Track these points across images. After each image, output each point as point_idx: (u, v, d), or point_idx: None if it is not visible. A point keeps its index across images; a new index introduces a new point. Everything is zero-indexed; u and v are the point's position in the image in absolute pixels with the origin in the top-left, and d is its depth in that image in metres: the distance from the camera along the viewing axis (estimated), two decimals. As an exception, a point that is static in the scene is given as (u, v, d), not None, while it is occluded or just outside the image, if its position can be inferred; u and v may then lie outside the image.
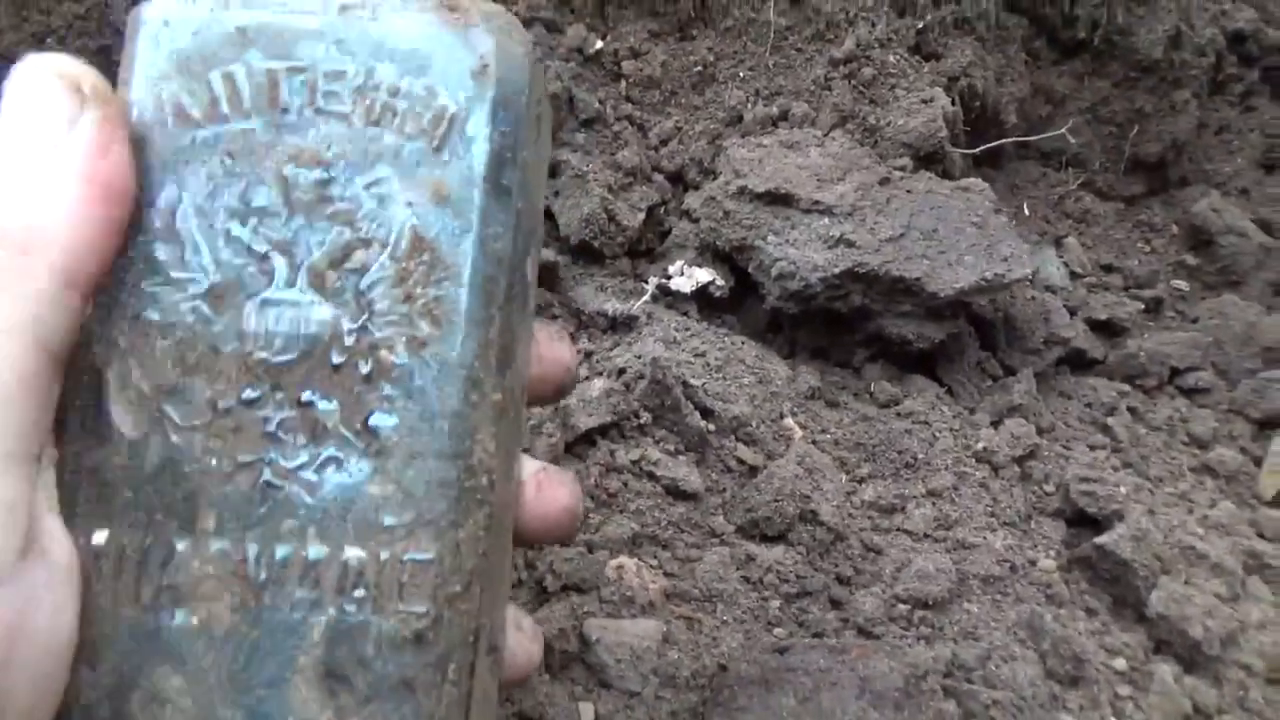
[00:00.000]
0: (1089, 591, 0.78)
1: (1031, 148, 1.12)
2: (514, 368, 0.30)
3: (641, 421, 0.73)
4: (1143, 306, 1.08)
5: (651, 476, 0.70)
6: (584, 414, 0.71)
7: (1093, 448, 0.91)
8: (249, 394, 0.28)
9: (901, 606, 0.69)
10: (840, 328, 0.90)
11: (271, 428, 0.28)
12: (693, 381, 0.76)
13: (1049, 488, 0.84)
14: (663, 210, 0.92)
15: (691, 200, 0.91)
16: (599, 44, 0.94)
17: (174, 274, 0.29)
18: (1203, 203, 1.13)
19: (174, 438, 0.28)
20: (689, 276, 0.88)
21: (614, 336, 0.83)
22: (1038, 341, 0.97)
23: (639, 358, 0.75)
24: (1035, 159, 1.13)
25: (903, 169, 0.91)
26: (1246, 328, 1.04)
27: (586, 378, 0.76)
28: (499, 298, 0.29)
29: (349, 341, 0.28)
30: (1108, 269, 1.11)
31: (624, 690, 0.59)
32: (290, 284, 0.29)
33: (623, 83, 0.94)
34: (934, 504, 0.79)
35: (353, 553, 0.27)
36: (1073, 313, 1.02)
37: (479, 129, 0.29)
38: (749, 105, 0.94)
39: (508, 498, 0.31)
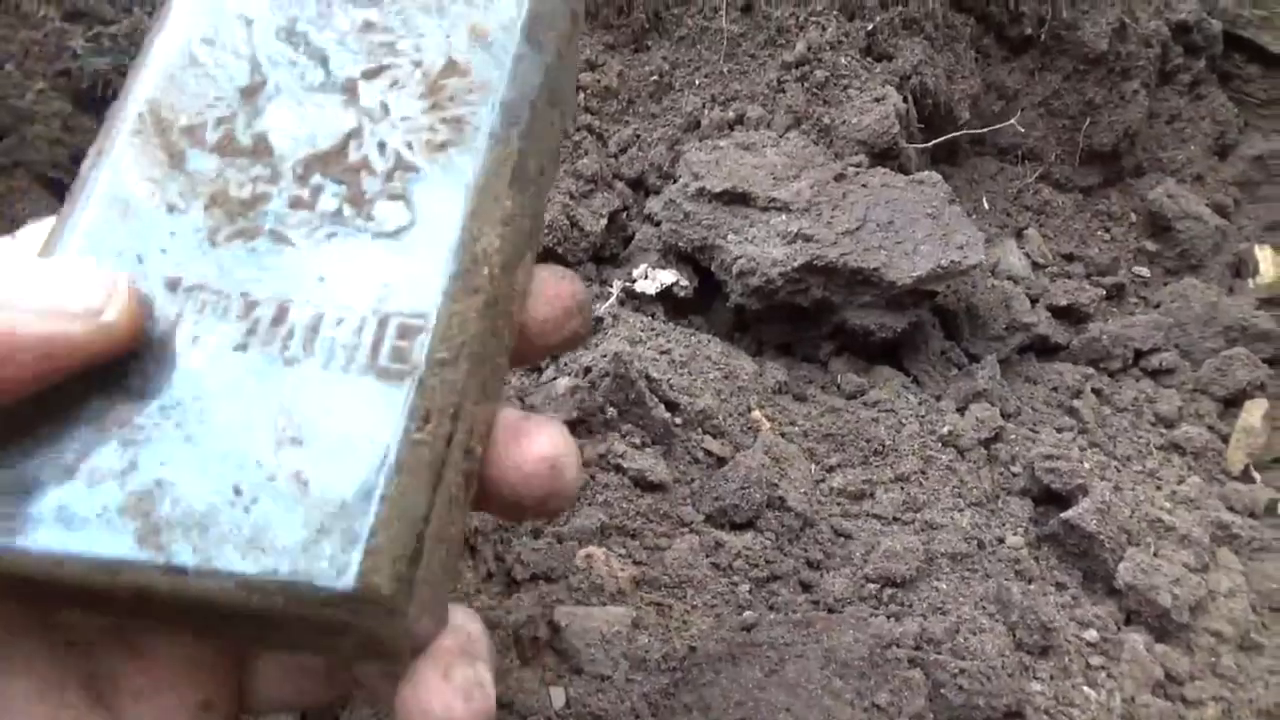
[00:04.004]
0: (1058, 567, 0.79)
1: (988, 144, 1.15)
2: (525, 194, 0.31)
3: (607, 416, 0.74)
4: (1105, 293, 1.10)
5: (618, 469, 0.71)
6: (549, 411, 0.72)
7: (1059, 430, 0.93)
8: (259, 171, 0.29)
9: (870, 586, 0.70)
10: (804, 323, 0.91)
11: (277, 204, 0.29)
12: (656, 376, 0.77)
13: (1015, 469, 0.86)
14: (625, 216, 0.94)
15: (652, 204, 0.93)
16: (556, 58, 0.96)
17: (210, 69, 0.31)
18: (1159, 190, 1.16)
19: (178, 200, 0.29)
20: (653, 279, 0.90)
21: (580, 339, 0.84)
22: (1000, 329, 0.99)
23: (604, 356, 0.76)
24: (992, 154, 1.16)
25: (858, 166, 0.93)
26: (1208, 309, 1.06)
27: (554, 377, 0.77)
28: (520, 127, 0.31)
29: (369, 139, 0.30)
30: (1069, 258, 1.13)
31: (595, 674, 0.59)
32: (321, 88, 0.31)
33: (581, 94, 0.96)
34: (902, 488, 0.80)
35: (345, 312, 0.27)
36: (1035, 300, 1.04)
37: None
38: (705, 111, 0.96)
39: (506, 310, 0.30)
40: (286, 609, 0.25)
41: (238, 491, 0.25)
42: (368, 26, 0.31)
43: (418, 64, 0.31)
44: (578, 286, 0.34)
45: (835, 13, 0.98)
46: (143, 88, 0.31)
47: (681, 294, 0.91)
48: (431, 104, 0.30)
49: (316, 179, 0.29)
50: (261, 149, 0.30)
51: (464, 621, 0.30)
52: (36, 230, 0.32)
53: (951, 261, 0.86)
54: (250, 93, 0.30)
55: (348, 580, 0.24)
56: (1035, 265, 1.10)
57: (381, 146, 0.30)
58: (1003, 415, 0.90)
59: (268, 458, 0.26)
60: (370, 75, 0.31)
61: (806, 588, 0.70)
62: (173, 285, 0.28)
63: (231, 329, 0.27)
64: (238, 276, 0.28)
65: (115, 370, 0.27)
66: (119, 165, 0.29)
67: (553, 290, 0.33)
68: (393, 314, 0.27)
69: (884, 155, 0.95)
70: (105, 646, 0.30)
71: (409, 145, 0.30)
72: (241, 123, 0.30)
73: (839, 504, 0.78)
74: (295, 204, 0.29)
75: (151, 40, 0.31)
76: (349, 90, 0.31)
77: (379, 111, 0.30)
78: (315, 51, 0.31)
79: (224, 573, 0.24)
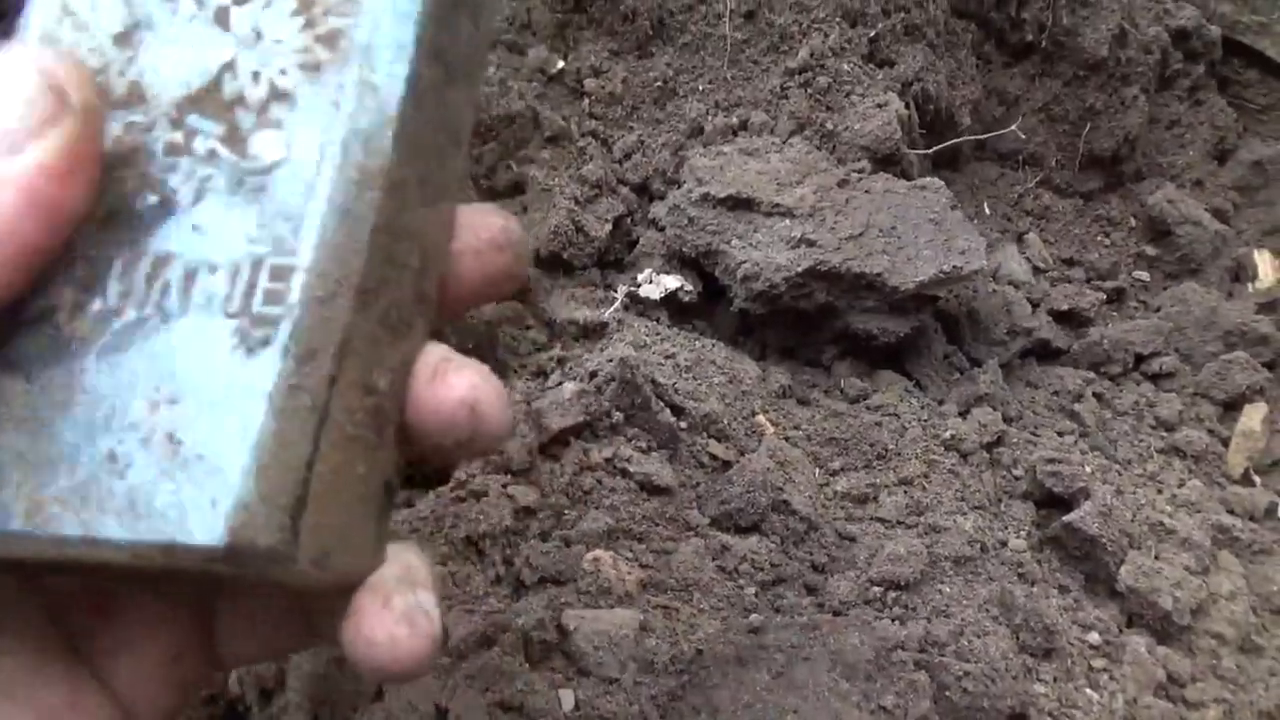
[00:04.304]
0: (1060, 570, 0.80)
1: (989, 149, 1.16)
2: (424, 109, 0.29)
3: (613, 421, 0.74)
4: (1105, 297, 1.10)
5: (624, 473, 0.72)
6: (556, 415, 0.72)
7: (1060, 433, 0.94)
8: (135, 118, 0.28)
9: (875, 589, 0.71)
10: (808, 327, 0.92)
11: (154, 150, 0.28)
12: (662, 381, 0.77)
13: (1018, 472, 0.86)
14: (629, 221, 0.95)
15: (657, 209, 0.94)
16: (560, 64, 0.97)
17: (84, 17, 0.29)
18: (1158, 195, 1.16)
19: None
20: (657, 284, 0.90)
21: (586, 343, 0.85)
22: (1002, 333, 0.99)
23: (610, 360, 0.77)
24: (993, 160, 1.16)
25: (860, 171, 0.93)
26: (1207, 313, 1.07)
27: (559, 382, 0.78)
28: (407, 36, 0.28)
29: (243, 69, 0.28)
30: (1069, 263, 1.14)
31: (603, 677, 0.60)
32: (194, 20, 0.29)
33: (585, 100, 0.97)
34: (905, 491, 0.81)
35: (219, 259, 0.27)
36: (1036, 305, 1.05)
37: None
38: (709, 116, 0.97)
39: (409, 237, 0.29)
40: (174, 568, 0.25)
41: (113, 458, 0.25)
42: None
43: None
44: (510, 222, 0.32)
45: (838, 19, 0.99)
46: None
47: (686, 299, 0.91)
48: (305, 21, 0.28)
49: (192, 120, 0.28)
50: (136, 96, 0.28)
51: (400, 552, 0.30)
52: None
53: (954, 267, 0.86)
54: (124, 37, 0.29)
55: (218, 537, 0.24)
56: (1036, 270, 1.11)
57: (255, 76, 0.28)
58: (1005, 419, 0.90)
59: (142, 420, 0.25)
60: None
61: (811, 591, 0.71)
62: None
63: (109, 292, 0.27)
64: (117, 237, 0.27)
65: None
66: None
67: (477, 221, 0.32)
68: (266, 256, 0.26)
69: (886, 161, 0.96)
70: (76, 607, 0.31)
71: (282, 71, 0.28)
72: (115, 70, 0.29)
73: (843, 507, 0.79)
74: (171, 150, 0.28)
75: None
76: (221, 18, 0.29)
77: (252, 38, 0.29)
78: None
79: (106, 540, 0.25)
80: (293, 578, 0.26)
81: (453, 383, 0.29)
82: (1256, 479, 0.98)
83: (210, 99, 0.28)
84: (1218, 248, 1.15)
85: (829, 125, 0.96)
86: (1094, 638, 0.75)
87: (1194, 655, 0.76)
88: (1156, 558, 0.80)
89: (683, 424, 0.77)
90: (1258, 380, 1.01)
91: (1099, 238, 1.17)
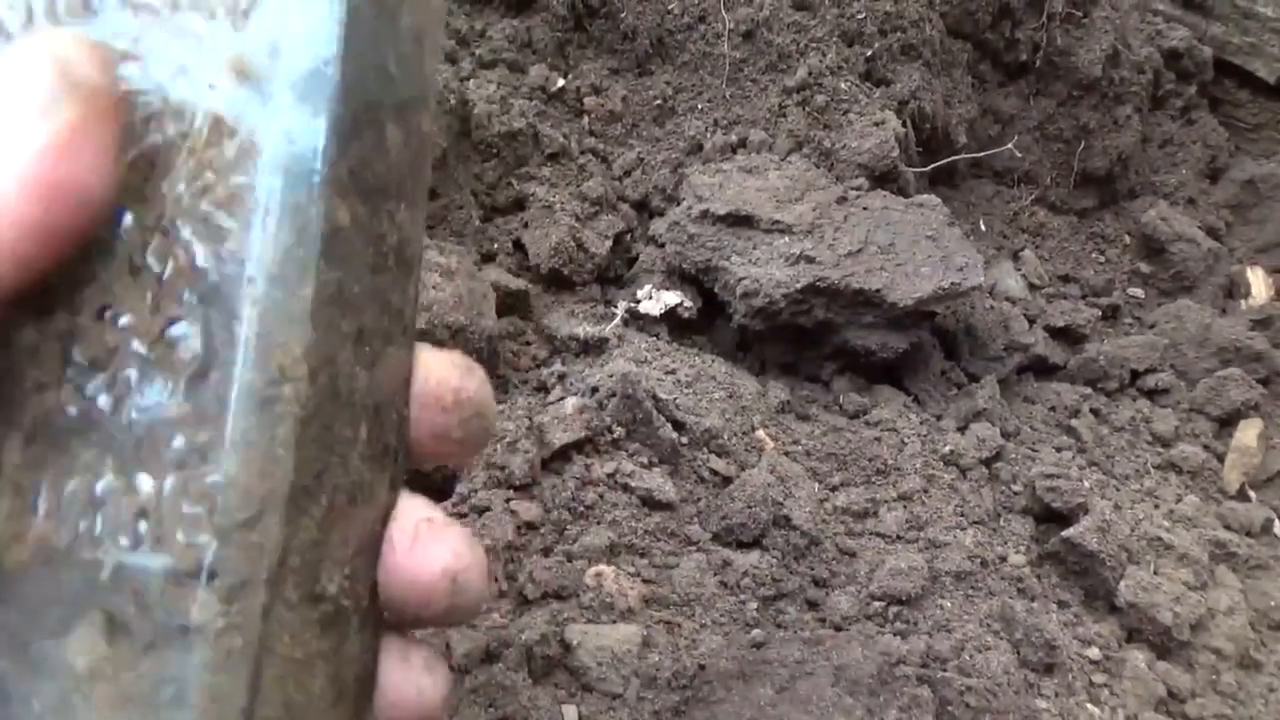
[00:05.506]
0: (1060, 585, 0.80)
1: (985, 167, 1.17)
2: (351, 262, 0.26)
3: (615, 436, 0.75)
4: (1100, 314, 1.11)
5: (626, 488, 0.72)
6: (559, 430, 0.73)
7: (1058, 449, 0.94)
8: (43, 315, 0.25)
9: (876, 604, 0.71)
10: (807, 343, 0.92)
11: (70, 353, 0.25)
12: (663, 396, 0.78)
13: (1016, 487, 0.87)
14: (629, 237, 0.95)
15: (657, 226, 0.94)
16: (561, 82, 0.98)
17: None
18: (1151, 213, 1.17)
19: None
20: (657, 299, 0.91)
21: (586, 359, 0.85)
22: (999, 349, 1.00)
23: (611, 376, 0.77)
24: (989, 178, 1.17)
25: (858, 188, 0.94)
26: (1201, 329, 1.08)
27: (561, 397, 0.78)
28: (313, 183, 0.24)
29: (150, 245, 0.24)
30: (1065, 279, 1.15)
31: (606, 692, 0.60)
32: None
33: (585, 118, 0.98)
34: (905, 507, 0.81)
35: (142, 482, 0.24)
36: (1032, 321, 1.06)
37: None
38: (708, 134, 0.98)
39: (344, 409, 0.26)
40: None
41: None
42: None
43: (185, 135, 0.25)
44: (466, 380, 0.29)
45: (835, 39, 1.00)
46: None
47: (686, 315, 0.92)
48: (203, 187, 0.24)
49: (102, 308, 0.24)
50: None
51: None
52: None
53: (952, 283, 0.87)
54: None
55: None
56: (1032, 286, 1.12)
57: (164, 252, 0.24)
58: (1003, 434, 0.91)
59: (95, 662, 0.24)
60: (140, 165, 0.25)
61: (813, 605, 0.71)
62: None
63: (38, 514, 0.24)
64: (42, 455, 0.25)
65: None
66: None
67: (430, 376, 0.28)
68: (189, 482, 0.24)
69: (884, 178, 0.97)
70: None
71: (187, 247, 0.24)
72: None
73: (843, 522, 0.79)
74: (87, 350, 0.24)
75: None
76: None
77: (156, 209, 0.24)
78: None
79: None
80: None
81: (433, 553, 0.27)
82: (1252, 494, 0.98)
83: (119, 280, 0.24)
84: (1211, 265, 1.16)
85: (827, 143, 0.97)
86: (1094, 653, 0.75)
87: (1193, 670, 0.77)
88: (1155, 573, 0.81)
89: (683, 439, 0.77)
90: (1252, 396, 1.02)
91: (1094, 255, 1.18)
